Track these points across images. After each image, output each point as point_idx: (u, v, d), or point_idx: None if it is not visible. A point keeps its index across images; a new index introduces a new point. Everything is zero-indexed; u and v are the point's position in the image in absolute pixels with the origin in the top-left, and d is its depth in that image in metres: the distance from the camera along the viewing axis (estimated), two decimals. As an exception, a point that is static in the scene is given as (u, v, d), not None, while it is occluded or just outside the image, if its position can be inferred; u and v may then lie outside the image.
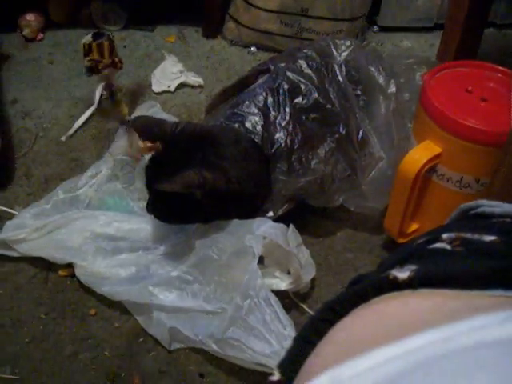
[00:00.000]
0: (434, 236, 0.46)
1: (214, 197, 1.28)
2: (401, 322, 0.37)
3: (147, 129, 1.33)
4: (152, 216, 1.34)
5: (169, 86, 1.98)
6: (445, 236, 0.45)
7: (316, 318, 0.42)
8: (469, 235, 0.44)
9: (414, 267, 0.41)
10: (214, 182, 1.27)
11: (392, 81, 1.50)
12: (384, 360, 0.33)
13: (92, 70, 1.73)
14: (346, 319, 0.41)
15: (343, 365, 0.34)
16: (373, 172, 1.44)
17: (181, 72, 2.01)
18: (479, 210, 0.48)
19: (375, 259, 1.48)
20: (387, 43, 2.30)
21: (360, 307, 0.40)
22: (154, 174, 1.31)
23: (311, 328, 0.42)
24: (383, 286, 0.41)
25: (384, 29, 2.34)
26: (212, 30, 2.25)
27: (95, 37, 1.74)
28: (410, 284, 0.40)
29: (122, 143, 1.51)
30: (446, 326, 0.33)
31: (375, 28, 2.34)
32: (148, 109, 1.57)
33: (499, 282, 0.38)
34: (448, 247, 0.44)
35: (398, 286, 0.40)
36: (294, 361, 0.41)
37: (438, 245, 0.45)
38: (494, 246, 0.42)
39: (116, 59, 1.73)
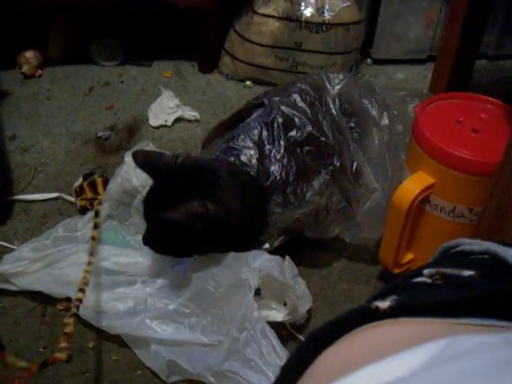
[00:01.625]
0: (416, 272, 0.48)
1: (214, 228, 1.29)
2: (381, 347, 0.39)
3: (147, 162, 1.35)
4: (148, 249, 1.35)
5: (166, 121, 2.00)
6: (426, 271, 0.47)
7: (302, 348, 0.44)
8: (448, 270, 0.46)
9: (394, 297, 0.43)
10: (215, 212, 1.28)
11: (385, 113, 1.52)
12: (366, 378, 0.35)
13: (86, 208, 1.59)
14: (332, 348, 0.42)
15: None
16: (367, 203, 1.45)
17: (177, 106, 2.04)
18: (459, 248, 0.50)
19: (371, 290, 1.49)
20: (381, 75, 2.33)
21: (345, 336, 0.42)
22: (153, 205, 1.33)
23: (298, 357, 0.43)
24: (366, 315, 0.42)
25: (378, 61, 2.38)
26: (208, 65, 2.28)
27: (85, 177, 1.64)
28: (391, 313, 0.42)
29: (116, 183, 1.52)
30: (418, 348, 0.35)
31: (369, 61, 2.37)
32: (142, 148, 1.58)
33: (474, 311, 0.39)
34: (428, 281, 0.46)
35: (379, 315, 0.42)
36: None
37: (419, 279, 0.46)
38: (471, 279, 0.44)
39: None
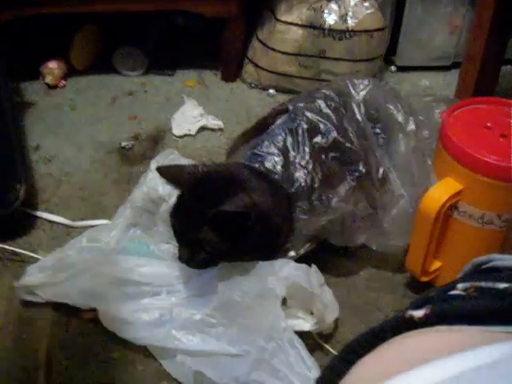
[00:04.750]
0: (450, 286, 0.47)
1: (262, 223, 1.28)
2: (416, 355, 0.38)
3: (170, 177, 1.34)
4: (173, 258, 1.33)
5: (189, 130, 2.00)
6: (460, 286, 0.46)
7: (337, 360, 0.43)
8: (483, 284, 0.45)
9: (429, 306, 0.42)
10: (261, 203, 1.29)
11: (411, 118, 1.50)
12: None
13: None
14: (365, 359, 0.41)
15: None
16: (394, 210, 1.44)
17: (201, 115, 2.03)
18: (491, 264, 0.50)
19: (399, 298, 1.47)
20: (405, 83, 2.31)
21: (379, 347, 0.41)
22: (185, 219, 1.30)
23: (333, 369, 0.43)
24: (400, 325, 0.42)
25: (402, 68, 2.36)
26: (231, 74, 2.27)
27: None
28: (426, 322, 0.41)
29: (141, 191, 1.51)
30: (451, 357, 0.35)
31: (393, 68, 2.36)
32: (166, 157, 1.57)
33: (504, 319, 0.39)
34: (463, 293, 0.45)
35: (414, 324, 0.41)
36: None
37: (454, 292, 0.46)
38: (506, 290, 0.43)
39: None
